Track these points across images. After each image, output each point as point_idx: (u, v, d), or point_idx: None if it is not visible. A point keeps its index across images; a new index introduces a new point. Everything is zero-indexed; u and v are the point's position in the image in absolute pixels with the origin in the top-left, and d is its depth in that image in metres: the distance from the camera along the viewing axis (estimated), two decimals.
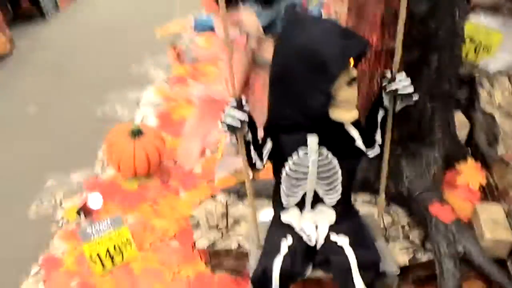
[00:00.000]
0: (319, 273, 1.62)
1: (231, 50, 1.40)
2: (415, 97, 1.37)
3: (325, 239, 1.60)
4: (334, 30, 1.38)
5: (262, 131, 1.56)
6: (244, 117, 1.36)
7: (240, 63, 2.34)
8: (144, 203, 2.53)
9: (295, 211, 1.64)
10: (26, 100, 4.19)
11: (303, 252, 1.57)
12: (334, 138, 1.49)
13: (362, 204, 2.17)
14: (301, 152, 1.50)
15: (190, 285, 2.11)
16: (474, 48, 2.50)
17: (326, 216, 1.62)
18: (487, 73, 2.43)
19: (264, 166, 1.55)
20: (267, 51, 2.47)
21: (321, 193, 1.58)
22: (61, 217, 2.57)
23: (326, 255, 1.57)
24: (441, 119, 2.08)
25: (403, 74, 1.38)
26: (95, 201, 2.48)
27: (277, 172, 1.59)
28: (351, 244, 1.54)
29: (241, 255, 2.05)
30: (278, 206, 1.67)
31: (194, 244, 2.11)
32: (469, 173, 2.21)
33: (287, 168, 1.53)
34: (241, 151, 1.48)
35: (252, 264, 1.67)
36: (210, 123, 2.67)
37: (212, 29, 3.12)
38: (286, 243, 1.57)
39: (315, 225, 1.63)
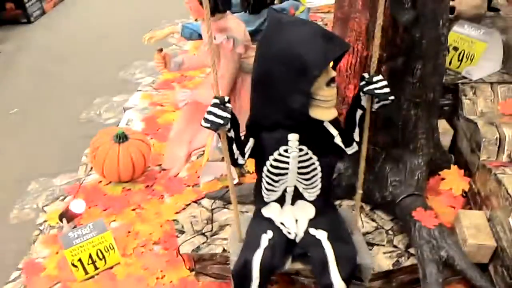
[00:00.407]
0: (298, 266, 1.69)
1: (217, 56, 1.42)
2: (391, 97, 1.44)
3: (304, 233, 1.67)
4: (315, 32, 1.42)
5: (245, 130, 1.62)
6: (226, 114, 1.41)
7: (227, 69, 2.35)
8: (128, 207, 2.51)
9: (275, 206, 1.71)
10: (10, 104, 4.13)
11: (283, 245, 1.64)
12: (314, 136, 1.56)
13: (346, 208, 2.18)
14: (281, 149, 1.56)
15: None
16: (458, 57, 2.55)
17: (306, 211, 1.70)
18: (470, 81, 2.47)
19: (245, 162, 1.62)
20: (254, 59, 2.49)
21: (301, 188, 1.66)
22: (43, 222, 2.53)
23: (305, 248, 1.64)
24: (424, 126, 2.11)
25: (380, 76, 1.46)
26: (78, 205, 2.44)
27: (258, 169, 1.66)
28: (329, 238, 1.62)
29: (226, 260, 2.03)
30: (259, 201, 1.74)
31: (178, 249, 2.09)
32: (452, 180, 2.24)
33: (268, 165, 1.60)
34: (224, 148, 1.53)
35: (233, 257, 1.72)
36: (196, 128, 2.66)
37: (199, 35, 3.14)
38: (267, 236, 1.64)
39: (295, 220, 1.69)
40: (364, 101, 1.50)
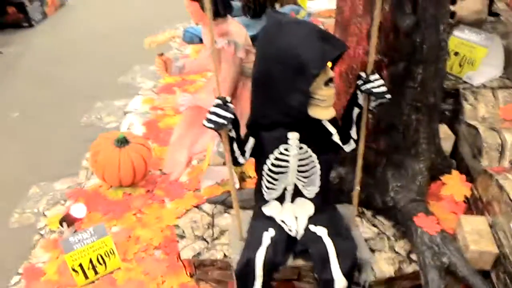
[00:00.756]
0: (299, 262, 1.72)
1: (218, 59, 1.44)
2: (388, 96, 1.47)
3: (305, 230, 1.70)
4: (313, 33, 1.44)
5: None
6: (228, 115, 1.44)
7: (228, 73, 2.35)
8: (129, 212, 2.50)
9: (276, 204, 1.74)
10: (11, 107, 4.13)
11: (284, 243, 1.67)
12: (313, 134, 1.59)
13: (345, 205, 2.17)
14: (282, 148, 1.59)
15: None
16: (459, 62, 2.55)
17: (305, 208, 1.73)
18: (471, 87, 2.47)
19: (246, 161, 1.65)
20: None
21: (300, 186, 1.69)
22: (43, 226, 2.52)
23: (306, 244, 1.67)
24: (426, 131, 2.11)
25: (376, 75, 1.50)
26: (78, 210, 2.43)
27: (259, 168, 1.69)
28: (329, 234, 1.65)
29: (227, 265, 2.03)
30: (260, 200, 1.76)
31: (179, 254, 2.08)
32: (454, 185, 2.23)
33: (268, 163, 1.63)
34: (225, 148, 1.56)
35: (235, 256, 1.74)
36: (197, 133, 2.67)
37: (200, 39, 3.14)
38: (268, 235, 1.67)
39: (295, 217, 1.72)
40: (361, 100, 1.54)
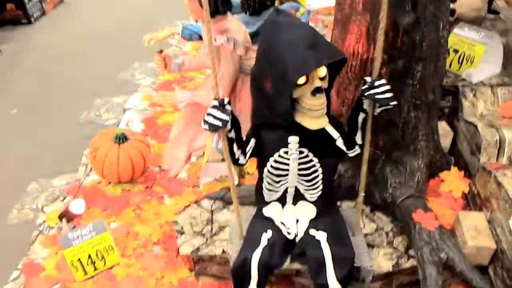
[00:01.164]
0: (296, 265, 1.71)
1: (217, 57, 1.42)
2: (393, 102, 1.42)
3: (304, 233, 1.68)
4: (303, 39, 1.37)
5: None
6: (225, 116, 1.41)
7: (227, 71, 2.35)
8: (128, 208, 2.51)
9: (276, 205, 1.73)
10: (10, 103, 4.13)
11: (282, 245, 1.66)
12: (314, 138, 1.55)
13: (349, 209, 2.18)
14: (281, 151, 1.57)
15: None
16: (458, 59, 2.55)
17: (307, 211, 1.71)
18: (470, 84, 2.47)
19: (246, 162, 1.63)
20: (254, 59, 2.49)
21: (302, 189, 1.67)
22: (42, 222, 2.52)
23: (304, 248, 1.66)
24: (424, 128, 2.12)
25: (383, 80, 1.44)
26: (77, 206, 2.43)
27: (260, 168, 1.67)
28: (328, 240, 1.63)
29: (225, 261, 2.03)
30: (260, 200, 1.75)
31: (178, 250, 2.09)
32: (452, 182, 2.24)
33: (268, 165, 1.61)
34: (224, 149, 1.54)
35: (233, 254, 1.75)
36: (196, 129, 2.66)
37: (199, 36, 3.14)
38: (266, 236, 1.66)
39: (296, 220, 1.71)
40: (366, 105, 1.48)
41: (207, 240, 2.10)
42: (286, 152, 1.57)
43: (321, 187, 1.65)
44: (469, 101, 2.41)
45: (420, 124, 2.09)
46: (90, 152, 2.62)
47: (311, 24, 3.37)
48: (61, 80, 4.59)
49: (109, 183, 2.69)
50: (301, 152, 1.57)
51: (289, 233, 1.68)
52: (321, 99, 1.43)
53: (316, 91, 1.41)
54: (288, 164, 1.59)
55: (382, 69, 1.90)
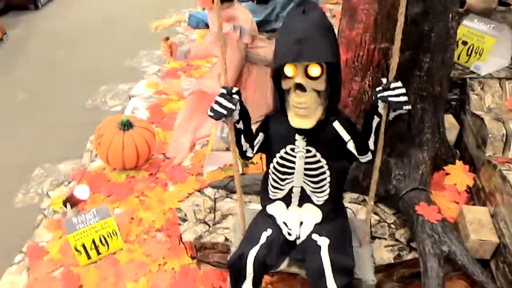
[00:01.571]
0: (294, 269, 1.66)
1: (224, 45, 1.41)
2: (407, 107, 1.34)
3: (307, 237, 1.62)
4: (298, 31, 1.33)
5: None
6: (232, 105, 1.39)
7: (233, 59, 2.34)
8: (132, 195, 2.52)
9: (281, 204, 1.67)
10: (16, 88, 4.15)
11: (280, 246, 1.61)
12: (324, 138, 1.50)
13: (350, 202, 2.18)
14: (288, 148, 1.53)
15: (175, 277, 2.10)
16: (467, 51, 2.52)
17: (313, 214, 1.64)
18: (478, 76, 2.45)
19: (254, 156, 1.60)
20: (260, 48, 2.48)
21: (308, 191, 1.61)
22: (47, 206, 2.55)
23: (303, 253, 1.60)
24: (431, 120, 2.10)
25: (399, 82, 1.36)
26: (82, 191, 2.45)
27: (267, 163, 1.63)
28: (329, 247, 1.56)
29: (227, 249, 2.04)
30: (265, 198, 1.70)
31: (181, 237, 2.10)
32: (457, 175, 2.23)
33: (274, 162, 1.57)
34: (231, 139, 1.51)
35: (233, 248, 1.73)
36: (201, 118, 2.67)
37: (206, 24, 3.12)
38: (266, 234, 1.62)
39: (300, 222, 1.65)
40: (380, 108, 1.41)
41: (209, 227, 2.11)
42: (292, 150, 1.52)
43: (328, 190, 1.58)
44: (476, 94, 2.39)
45: (426, 116, 2.07)
46: (95, 138, 2.63)
47: None
48: (67, 66, 4.60)
49: (114, 169, 2.70)
50: (308, 151, 1.51)
51: (290, 234, 1.64)
52: (302, 97, 1.38)
53: (297, 87, 1.38)
54: (294, 162, 1.54)
55: (389, 60, 1.89)
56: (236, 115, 1.45)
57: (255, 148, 1.58)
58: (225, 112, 1.38)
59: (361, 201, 2.19)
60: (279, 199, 1.66)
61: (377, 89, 1.38)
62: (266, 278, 2.03)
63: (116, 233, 2.20)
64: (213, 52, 2.58)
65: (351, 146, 1.51)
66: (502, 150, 2.14)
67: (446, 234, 1.83)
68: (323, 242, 1.57)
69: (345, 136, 1.49)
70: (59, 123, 3.59)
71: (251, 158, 1.61)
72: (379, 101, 1.39)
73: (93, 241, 2.15)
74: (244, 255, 1.55)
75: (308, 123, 1.42)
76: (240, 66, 2.43)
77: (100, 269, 2.14)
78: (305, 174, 1.56)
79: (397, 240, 1.99)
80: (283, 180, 1.60)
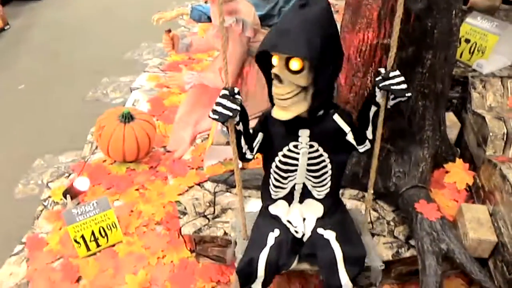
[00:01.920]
0: (305, 266, 1.64)
1: (226, 39, 1.39)
2: (408, 94, 1.36)
3: (312, 232, 1.61)
4: (285, 23, 1.34)
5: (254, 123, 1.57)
6: (236, 106, 1.36)
7: (235, 53, 2.33)
8: (132, 187, 2.52)
9: (283, 203, 1.66)
10: (18, 80, 4.14)
11: (290, 245, 1.59)
12: (325, 132, 1.50)
13: (350, 198, 2.18)
14: (291, 145, 1.51)
15: (174, 270, 2.10)
16: (469, 49, 2.51)
17: (314, 209, 1.64)
18: (480, 75, 2.44)
19: (253, 157, 1.56)
20: None
21: (310, 186, 1.60)
22: (47, 197, 2.55)
23: (313, 248, 1.59)
24: (432, 118, 2.09)
25: (397, 71, 1.38)
26: (82, 183, 2.46)
27: (267, 164, 1.61)
28: (337, 239, 1.56)
29: (227, 243, 2.05)
30: (267, 198, 1.68)
31: (180, 230, 2.11)
32: (457, 173, 2.22)
33: (277, 160, 1.55)
34: (232, 141, 1.48)
35: (238, 254, 1.68)
36: (202, 111, 2.66)
37: (208, 17, 3.11)
38: (273, 235, 1.59)
39: (302, 218, 1.64)
40: (379, 97, 1.42)
41: (209, 221, 2.11)
42: (296, 146, 1.51)
43: (329, 184, 1.59)
44: (478, 92, 2.38)
45: (428, 114, 2.07)
46: (96, 130, 2.63)
47: None
48: (68, 57, 4.59)
49: (114, 161, 2.71)
50: (311, 146, 1.51)
51: (296, 232, 1.62)
52: (278, 88, 1.38)
53: (275, 77, 1.38)
54: (297, 159, 1.53)
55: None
56: (237, 117, 1.42)
57: (255, 149, 1.55)
58: (230, 113, 1.35)
59: (361, 198, 2.19)
60: (280, 198, 1.65)
61: (377, 79, 1.39)
62: None
63: (115, 226, 2.20)
64: (215, 46, 2.57)
65: (350, 137, 1.51)
66: (503, 149, 2.14)
67: (445, 232, 1.83)
68: (330, 235, 1.58)
69: (345, 127, 1.50)
70: (60, 114, 3.59)
71: (251, 160, 1.57)
72: (378, 90, 1.40)
73: (93, 233, 2.16)
74: (254, 260, 1.53)
75: (284, 115, 1.41)
76: (242, 60, 2.42)
77: (99, 261, 2.14)
78: (308, 170, 1.56)
79: (395, 237, 2.00)
80: (285, 178, 1.59)
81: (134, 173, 2.63)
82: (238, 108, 1.36)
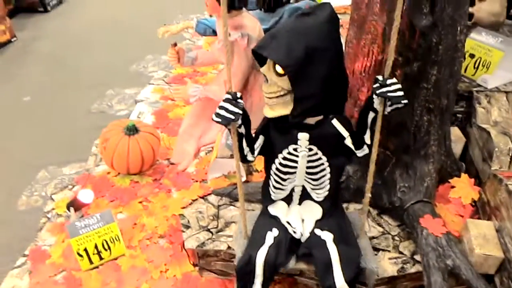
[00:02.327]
0: (302, 266, 1.69)
1: (231, 52, 1.43)
2: (404, 101, 1.41)
3: (310, 233, 1.66)
4: (279, 29, 1.44)
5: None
6: (239, 110, 1.42)
7: (240, 66, 2.35)
8: (135, 200, 2.52)
9: (283, 204, 1.71)
10: (24, 91, 4.17)
11: (288, 244, 1.64)
12: (324, 136, 1.55)
13: (354, 211, 2.17)
14: (291, 148, 1.56)
15: (177, 285, 2.09)
16: (474, 64, 2.52)
17: (313, 211, 1.69)
18: (485, 90, 2.44)
19: (254, 159, 1.62)
20: None
21: (309, 189, 1.66)
22: (50, 210, 2.55)
23: (310, 248, 1.64)
24: (437, 133, 2.09)
25: (394, 78, 1.43)
26: (86, 195, 2.45)
27: (267, 166, 1.66)
28: (334, 240, 1.61)
29: (230, 257, 2.04)
30: (267, 199, 1.74)
31: (183, 244, 2.09)
32: (462, 188, 2.21)
33: (277, 163, 1.60)
34: (233, 144, 1.54)
35: (238, 253, 1.72)
36: (206, 124, 2.67)
37: (213, 31, 3.14)
38: (272, 234, 1.64)
39: (301, 219, 1.69)
40: (376, 104, 1.47)
41: (212, 235, 2.10)
42: (295, 149, 1.56)
43: (328, 187, 1.64)
44: (483, 107, 2.38)
45: (433, 129, 2.06)
46: (101, 142, 2.63)
47: None
48: (74, 69, 4.63)
49: (118, 174, 2.71)
50: (310, 150, 1.56)
51: (295, 232, 1.67)
52: (267, 87, 1.48)
53: (264, 76, 1.49)
54: (296, 162, 1.58)
55: (397, 71, 1.89)
56: (239, 120, 1.48)
57: (256, 152, 1.61)
58: (232, 117, 1.41)
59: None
60: (280, 199, 1.70)
61: (374, 86, 1.43)
62: None
63: (119, 239, 2.20)
64: (220, 59, 2.59)
65: (349, 141, 1.57)
66: (508, 164, 2.12)
67: (450, 248, 1.82)
68: (327, 236, 1.62)
69: (344, 132, 1.55)
70: (65, 125, 3.60)
71: (252, 161, 1.63)
72: (375, 97, 1.44)
73: (96, 246, 2.15)
74: (252, 258, 1.57)
75: (269, 113, 1.51)
76: (247, 74, 2.43)
77: (101, 274, 2.13)
78: (307, 172, 1.61)
79: (401, 252, 1.98)
80: (285, 180, 1.64)
81: (138, 186, 2.63)
82: (241, 111, 1.42)
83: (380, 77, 1.44)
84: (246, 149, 1.58)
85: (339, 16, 1.49)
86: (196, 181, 2.51)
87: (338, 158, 1.61)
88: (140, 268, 2.15)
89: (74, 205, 2.43)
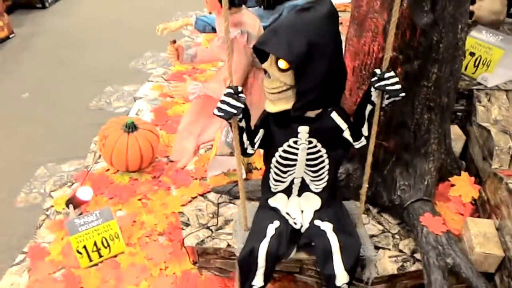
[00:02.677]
0: (302, 255, 1.71)
1: (231, 50, 1.42)
2: (402, 94, 1.43)
3: (310, 224, 1.69)
4: (279, 24, 1.45)
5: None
6: (241, 104, 1.43)
7: (239, 64, 2.34)
8: (134, 197, 2.51)
9: (282, 196, 1.73)
10: (22, 88, 4.16)
11: (289, 235, 1.66)
12: (323, 129, 1.57)
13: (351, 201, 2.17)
14: (291, 141, 1.58)
15: (176, 282, 2.09)
16: (474, 62, 2.52)
17: (312, 202, 1.71)
18: (485, 88, 2.44)
19: (254, 152, 1.64)
20: None
21: (308, 180, 1.68)
22: (49, 207, 2.54)
23: (310, 238, 1.66)
24: (437, 131, 2.09)
25: (392, 72, 1.44)
26: (85, 193, 2.44)
27: (267, 159, 1.68)
28: (334, 230, 1.63)
29: (230, 254, 2.03)
30: (267, 191, 1.75)
31: (183, 241, 2.09)
32: (462, 187, 2.21)
33: (277, 156, 1.62)
34: (234, 138, 1.55)
35: (238, 245, 1.74)
36: (205, 121, 2.66)
37: (213, 28, 3.12)
38: (273, 226, 1.66)
39: (300, 210, 1.72)
40: (374, 97, 1.50)
41: (212, 232, 2.10)
42: (295, 142, 1.58)
43: (326, 178, 1.67)
44: (483, 105, 2.38)
45: (433, 127, 2.06)
46: (99, 139, 2.62)
47: None
48: (73, 65, 4.61)
49: (117, 171, 2.70)
50: (310, 142, 1.58)
51: (295, 223, 1.69)
52: (269, 82, 1.49)
53: (265, 71, 1.50)
54: (296, 154, 1.60)
55: (397, 69, 1.88)
56: (241, 114, 1.49)
57: (256, 145, 1.62)
58: (234, 111, 1.42)
59: (366, 210, 2.17)
60: (280, 191, 1.72)
61: (373, 79, 1.45)
62: None
63: (118, 236, 2.19)
64: (219, 57, 2.58)
65: (347, 134, 1.59)
66: (509, 163, 2.12)
67: (450, 246, 1.82)
68: (327, 226, 1.65)
69: (342, 125, 1.58)
70: (63, 123, 3.59)
71: (252, 155, 1.65)
72: (373, 90, 1.47)
73: (95, 243, 2.14)
74: (254, 249, 1.59)
75: (271, 108, 1.53)
76: (247, 71, 2.43)
77: (101, 272, 2.13)
78: (306, 165, 1.63)
79: (401, 250, 1.98)
80: (285, 172, 1.66)
81: (137, 183, 2.62)
82: (242, 106, 1.43)
83: (378, 71, 1.46)
84: (246, 143, 1.59)
85: (339, 13, 1.49)
86: (196, 179, 2.50)
87: (337, 150, 1.64)
88: (139, 265, 2.14)
89: (73, 202, 2.42)
